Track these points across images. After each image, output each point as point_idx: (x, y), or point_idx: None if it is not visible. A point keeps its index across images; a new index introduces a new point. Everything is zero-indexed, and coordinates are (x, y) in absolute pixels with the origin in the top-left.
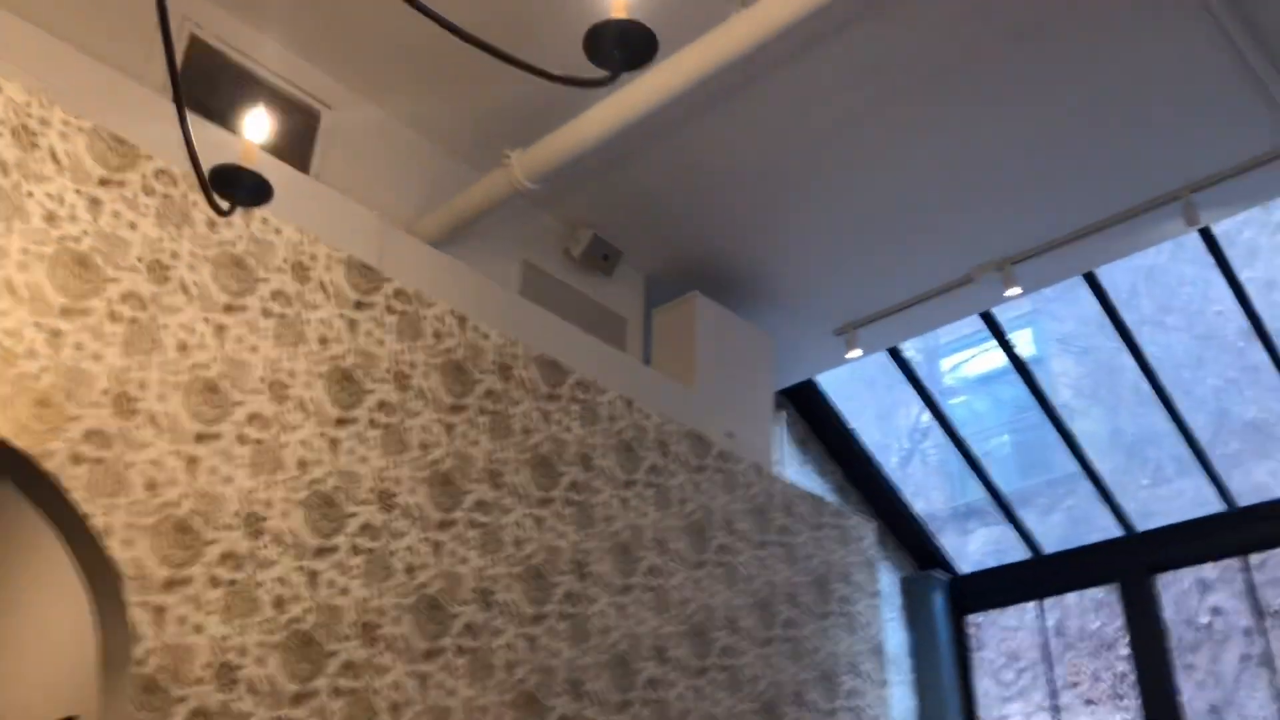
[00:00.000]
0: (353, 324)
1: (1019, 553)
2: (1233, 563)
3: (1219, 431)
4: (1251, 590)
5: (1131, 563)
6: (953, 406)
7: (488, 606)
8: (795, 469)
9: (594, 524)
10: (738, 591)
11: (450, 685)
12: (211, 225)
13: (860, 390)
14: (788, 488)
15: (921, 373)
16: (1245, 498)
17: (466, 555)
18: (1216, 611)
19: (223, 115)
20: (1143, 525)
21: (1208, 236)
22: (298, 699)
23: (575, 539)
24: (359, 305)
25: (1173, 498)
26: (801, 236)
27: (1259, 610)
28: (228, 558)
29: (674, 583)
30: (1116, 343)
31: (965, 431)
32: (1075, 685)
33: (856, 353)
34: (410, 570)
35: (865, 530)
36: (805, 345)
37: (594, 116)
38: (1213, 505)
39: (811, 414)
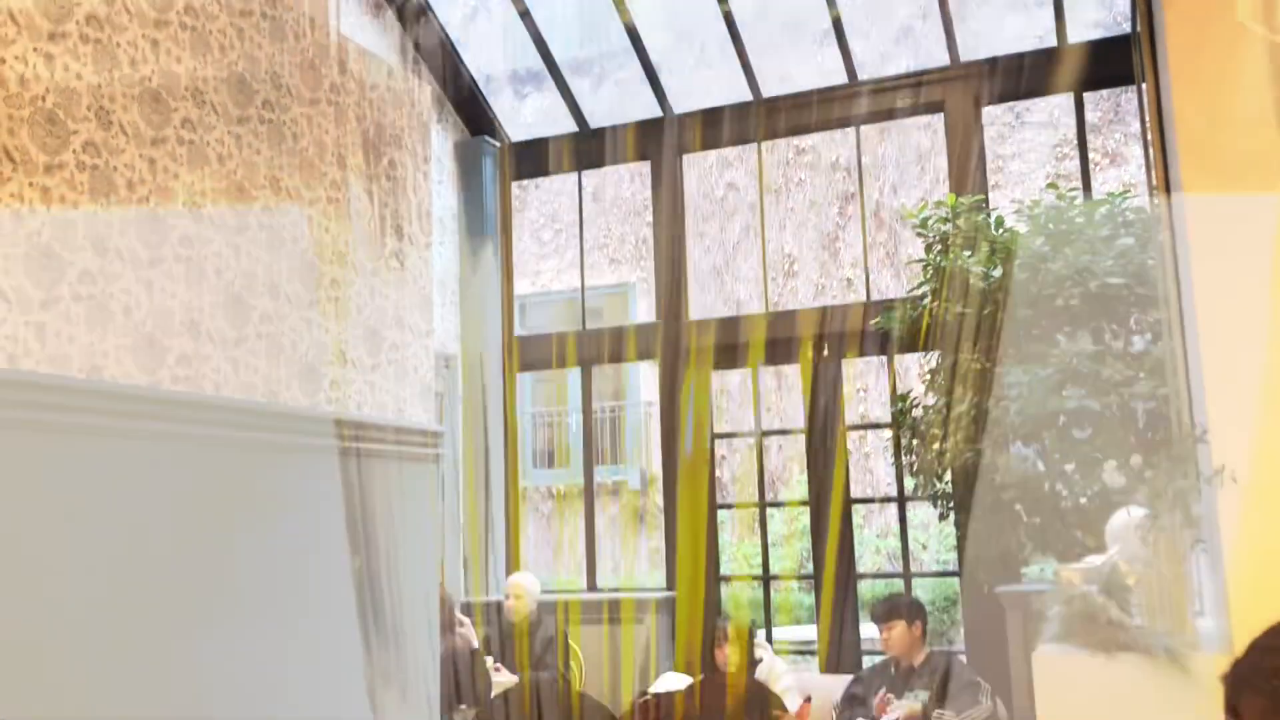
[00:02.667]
0: None
1: (568, 124)
2: (750, 145)
3: (761, 17)
4: (760, 171)
5: (664, 142)
6: None
7: None
8: (355, 19)
9: (119, 67)
10: (283, 150)
11: None
12: None
13: None
14: (343, 42)
15: None
16: (770, 87)
17: None
18: (731, 186)
19: None
20: (680, 106)
21: None
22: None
23: (95, 81)
24: None
25: (712, 80)
26: None
27: (763, 188)
28: None
29: (212, 137)
30: None
31: None
32: (604, 246)
33: None
34: None
35: (422, 94)
36: None
37: None
38: (742, 92)
39: None
